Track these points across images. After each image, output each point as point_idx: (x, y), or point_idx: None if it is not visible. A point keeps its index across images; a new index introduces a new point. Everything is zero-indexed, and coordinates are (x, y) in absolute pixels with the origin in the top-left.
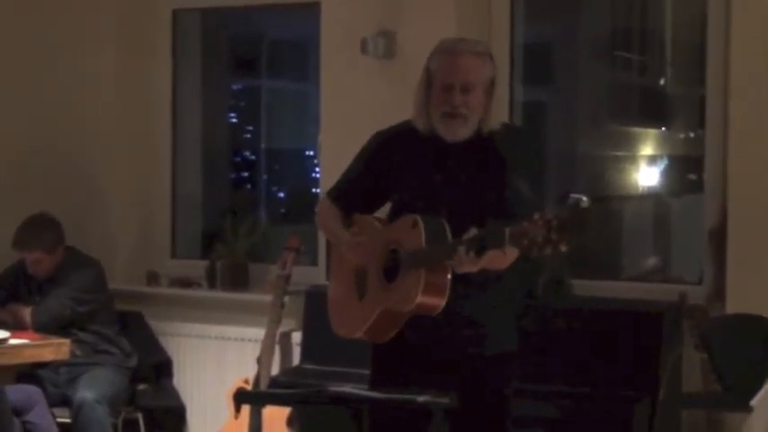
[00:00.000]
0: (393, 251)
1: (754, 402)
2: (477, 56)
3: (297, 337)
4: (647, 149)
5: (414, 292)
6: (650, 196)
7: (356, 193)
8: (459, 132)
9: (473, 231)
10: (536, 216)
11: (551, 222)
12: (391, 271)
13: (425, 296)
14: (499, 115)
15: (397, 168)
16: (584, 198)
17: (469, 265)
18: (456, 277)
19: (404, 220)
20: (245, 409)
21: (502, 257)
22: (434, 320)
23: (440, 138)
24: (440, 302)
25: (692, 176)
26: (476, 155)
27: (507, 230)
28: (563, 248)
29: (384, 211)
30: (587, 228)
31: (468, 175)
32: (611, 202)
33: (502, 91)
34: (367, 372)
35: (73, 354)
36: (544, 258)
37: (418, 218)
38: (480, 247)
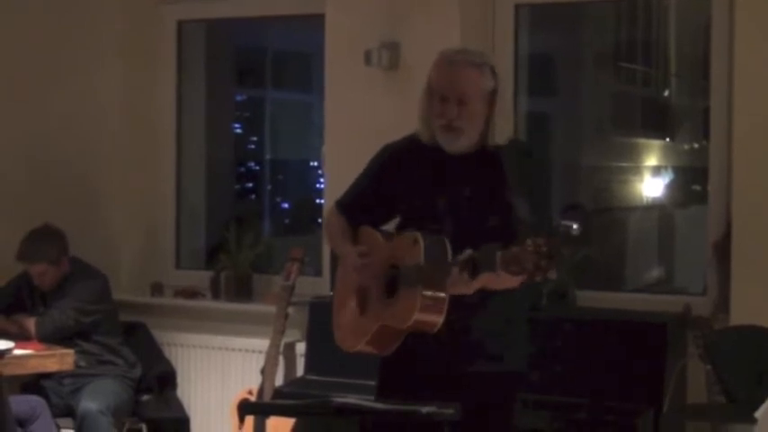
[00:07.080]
0: (394, 267)
1: (758, 414)
2: (475, 67)
3: (301, 347)
4: (652, 161)
5: (411, 309)
6: (654, 207)
7: (363, 207)
8: (457, 145)
9: (467, 253)
10: (528, 242)
11: (541, 249)
12: (392, 286)
13: (422, 314)
14: (503, 126)
15: (403, 181)
16: (575, 225)
17: (463, 287)
18: (461, 295)
19: (406, 236)
20: (249, 420)
21: (497, 279)
22: (440, 336)
23: (442, 150)
24: (437, 320)
25: (697, 187)
26: (479, 170)
27: (498, 255)
28: (551, 276)
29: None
30: (577, 253)
31: (471, 190)
32: (615, 213)
33: (506, 102)
34: (371, 383)
35: (77, 364)
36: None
37: (419, 235)
38: (473, 269)
